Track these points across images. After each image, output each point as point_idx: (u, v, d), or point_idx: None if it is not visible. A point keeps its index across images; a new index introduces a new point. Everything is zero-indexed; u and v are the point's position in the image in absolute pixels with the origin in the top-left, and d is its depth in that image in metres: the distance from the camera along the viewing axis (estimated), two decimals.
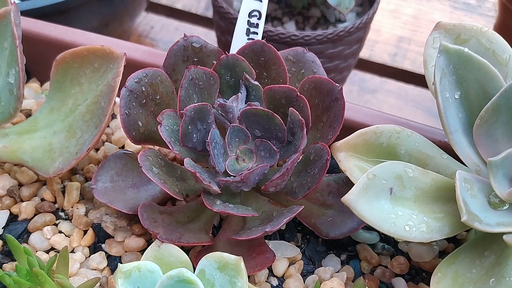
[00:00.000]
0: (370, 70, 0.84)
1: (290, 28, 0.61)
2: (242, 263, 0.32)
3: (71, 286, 0.34)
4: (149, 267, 0.32)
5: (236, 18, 0.55)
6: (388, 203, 0.31)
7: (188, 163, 0.34)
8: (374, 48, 0.86)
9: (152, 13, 0.87)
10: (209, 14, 0.88)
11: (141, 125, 0.37)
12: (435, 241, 0.40)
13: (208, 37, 0.85)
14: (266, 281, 0.38)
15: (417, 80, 0.81)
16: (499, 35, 0.39)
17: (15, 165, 0.44)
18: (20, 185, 0.43)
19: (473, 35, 0.39)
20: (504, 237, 0.30)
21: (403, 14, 0.92)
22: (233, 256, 0.32)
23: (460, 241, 0.41)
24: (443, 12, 0.93)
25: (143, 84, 0.37)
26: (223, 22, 0.59)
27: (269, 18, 0.63)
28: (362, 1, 0.64)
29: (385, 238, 0.41)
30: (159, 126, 0.35)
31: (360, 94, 0.80)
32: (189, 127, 0.36)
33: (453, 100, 0.34)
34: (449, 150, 0.37)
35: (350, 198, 0.30)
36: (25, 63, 0.36)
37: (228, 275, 0.32)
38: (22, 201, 0.42)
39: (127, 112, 0.36)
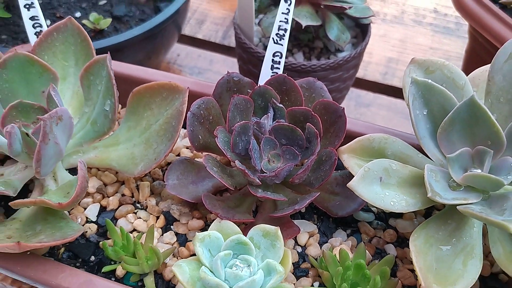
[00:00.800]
0: (364, 87, 0.97)
1: (298, 57, 0.75)
2: (279, 231, 0.46)
3: (158, 250, 0.48)
4: (216, 235, 0.46)
5: (257, 51, 0.70)
6: (379, 187, 0.46)
7: (238, 164, 0.48)
8: (367, 68, 1.00)
9: (178, 43, 1.01)
10: (226, 42, 1.02)
11: (200, 138, 0.52)
12: (415, 217, 0.55)
13: (226, 62, 0.99)
14: (293, 249, 0.52)
15: None
16: (456, 67, 0.53)
17: (99, 170, 0.58)
18: (105, 185, 0.57)
19: (438, 67, 0.53)
20: (458, 207, 0.44)
21: (392, 39, 1.06)
22: (272, 227, 0.46)
23: None
24: (426, 35, 1.07)
25: (201, 109, 0.52)
26: (245, 54, 0.74)
27: None
28: (356, 34, 0.79)
29: (378, 217, 0.55)
30: (216, 138, 0.49)
31: (357, 107, 0.94)
32: (237, 139, 0.50)
33: (422, 115, 0.48)
34: (423, 151, 0.52)
35: (353, 184, 0.45)
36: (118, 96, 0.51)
37: (270, 240, 0.46)
38: (108, 196, 0.56)
39: (192, 129, 0.51)
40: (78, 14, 0.79)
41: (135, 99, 0.55)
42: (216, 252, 0.45)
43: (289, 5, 0.55)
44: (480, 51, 0.78)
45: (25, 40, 0.75)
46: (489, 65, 0.52)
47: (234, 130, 0.49)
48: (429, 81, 0.47)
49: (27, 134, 0.47)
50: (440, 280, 0.43)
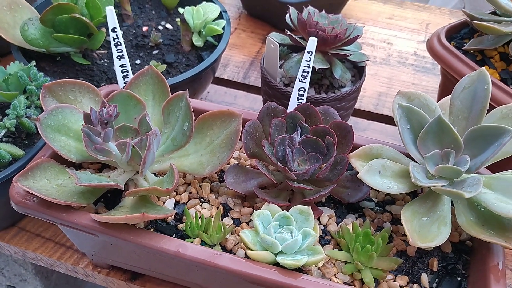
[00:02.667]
0: (360, 115, 1.18)
1: (311, 92, 0.97)
2: (310, 209, 0.66)
3: (225, 225, 0.68)
4: (267, 212, 0.66)
5: (280, 88, 0.92)
6: (378, 177, 0.67)
7: (280, 164, 0.69)
8: (362, 100, 1.22)
9: None
10: (246, 81, 1.24)
11: (251, 148, 0.73)
12: (404, 204, 0.76)
13: (247, 97, 1.21)
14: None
15: (393, 121, 1.17)
16: (430, 97, 0.75)
17: None
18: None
19: (417, 97, 0.75)
20: (432, 188, 0.65)
21: (381, 77, 1.28)
22: (306, 206, 0.66)
23: None
24: (408, 74, 1.30)
25: (251, 128, 0.73)
26: (271, 90, 0.95)
27: None
28: (354, 74, 1.01)
29: (378, 204, 0.76)
30: (263, 148, 0.70)
31: (355, 132, 1.15)
32: (278, 148, 0.71)
33: (407, 129, 0.70)
34: (409, 156, 0.73)
35: (361, 175, 0.66)
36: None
37: (304, 215, 0.67)
38: (179, 194, 0.76)
39: (245, 142, 0.72)
40: (138, 61, 1.01)
41: (201, 122, 0.76)
42: (267, 223, 0.66)
43: (311, 55, 0.77)
44: (449, 85, 1.01)
45: (99, 81, 0.96)
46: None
47: (276, 141, 0.70)
48: (410, 105, 0.69)
49: (133, 146, 0.68)
50: (422, 239, 0.63)
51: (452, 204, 0.69)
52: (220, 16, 1.08)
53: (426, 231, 0.64)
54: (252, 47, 1.34)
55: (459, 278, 0.67)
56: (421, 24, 1.47)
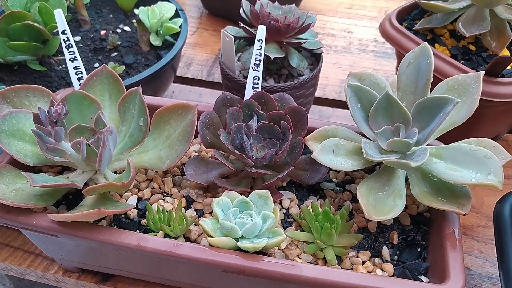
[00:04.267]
0: (324, 104, 1.19)
1: (270, 82, 0.98)
2: (269, 193, 0.67)
3: (187, 216, 0.68)
4: (226, 199, 0.67)
5: (239, 80, 0.93)
6: (332, 156, 0.68)
7: (237, 152, 0.70)
8: (325, 89, 1.23)
9: (172, 82, 1.23)
10: (211, 79, 1.25)
11: (208, 138, 0.74)
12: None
13: (212, 94, 1.21)
14: (280, 211, 0.73)
15: None
16: (380, 76, 0.77)
17: None
18: (138, 182, 0.78)
19: (367, 77, 0.77)
20: (384, 161, 0.66)
21: (343, 65, 1.29)
22: (264, 190, 0.67)
23: None
24: (369, 60, 1.31)
25: (207, 118, 0.74)
26: (230, 83, 0.96)
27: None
28: (312, 62, 1.03)
29: (338, 185, 0.77)
30: (220, 137, 0.71)
31: (320, 119, 1.16)
32: (234, 136, 0.72)
33: (357, 107, 0.71)
34: (363, 134, 0.74)
35: (315, 154, 0.67)
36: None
37: (263, 200, 0.67)
38: (142, 190, 0.77)
39: (202, 133, 0.73)
40: (97, 65, 1.01)
41: (157, 118, 0.76)
42: (227, 209, 0.66)
43: (261, 43, 0.78)
44: None
45: (58, 87, 0.96)
46: None
47: (231, 130, 0.71)
48: (359, 84, 0.71)
49: (88, 145, 0.68)
50: (378, 212, 0.64)
51: (407, 178, 0.71)
52: (177, 15, 1.09)
53: (382, 204, 0.66)
54: (214, 45, 1.35)
55: (419, 249, 0.68)
56: (380, 12, 1.49)
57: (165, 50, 1.05)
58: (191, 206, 0.74)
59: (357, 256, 0.68)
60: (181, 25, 1.06)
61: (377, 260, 0.67)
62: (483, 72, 0.69)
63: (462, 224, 0.84)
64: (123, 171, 0.77)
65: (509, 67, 0.86)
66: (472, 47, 0.92)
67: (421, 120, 0.68)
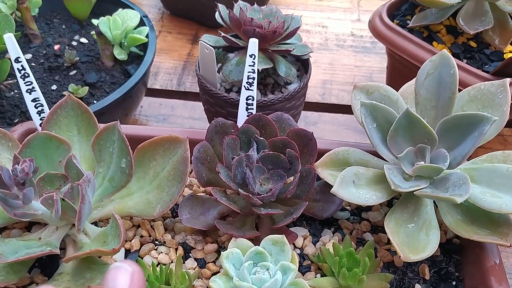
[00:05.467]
0: (309, 108, 1.10)
1: (256, 94, 0.88)
2: (285, 238, 0.58)
3: (189, 273, 0.58)
4: (236, 251, 0.57)
5: (223, 95, 0.82)
6: (353, 188, 0.59)
7: (241, 191, 0.60)
8: (308, 91, 1.14)
9: None
10: (182, 88, 1.13)
11: (204, 175, 0.63)
12: (381, 208, 0.69)
13: (186, 105, 1.10)
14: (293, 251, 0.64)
15: (343, 109, 1.10)
16: (390, 87, 0.68)
17: None
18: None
19: (376, 89, 0.68)
20: (415, 192, 0.58)
21: (322, 63, 1.21)
22: (279, 235, 0.58)
23: None
24: (349, 56, 1.23)
25: (201, 152, 0.63)
26: (212, 99, 0.85)
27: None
28: (298, 67, 0.93)
29: (353, 213, 0.69)
30: (219, 174, 0.60)
31: (306, 126, 1.07)
32: (236, 171, 0.62)
33: (373, 128, 0.63)
34: (377, 154, 0.66)
35: (335, 189, 0.58)
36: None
37: (278, 246, 0.58)
38: (129, 240, 0.65)
39: (197, 170, 0.62)
40: (54, 87, 0.87)
41: (140, 153, 0.65)
42: (239, 264, 0.56)
43: (254, 59, 0.68)
44: (398, 66, 0.95)
45: (12, 118, 0.82)
46: (412, 80, 0.68)
47: (232, 165, 0.61)
48: (374, 102, 0.62)
49: (63, 199, 0.56)
50: (413, 250, 0.56)
51: (434, 203, 0.63)
52: (142, 23, 0.96)
53: (415, 240, 0.58)
54: (181, 49, 1.22)
55: (454, 283, 0.61)
56: (352, 2, 1.41)
57: (132, 64, 0.92)
58: (190, 254, 0.64)
59: None
60: (147, 34, 0.94)
61: None
62: (509, 79, 0.62)
63: None
64: (105, 220, 0.66)
65: None
66: (473, 44, 0.85)
67: (448, 139, 0.60)
